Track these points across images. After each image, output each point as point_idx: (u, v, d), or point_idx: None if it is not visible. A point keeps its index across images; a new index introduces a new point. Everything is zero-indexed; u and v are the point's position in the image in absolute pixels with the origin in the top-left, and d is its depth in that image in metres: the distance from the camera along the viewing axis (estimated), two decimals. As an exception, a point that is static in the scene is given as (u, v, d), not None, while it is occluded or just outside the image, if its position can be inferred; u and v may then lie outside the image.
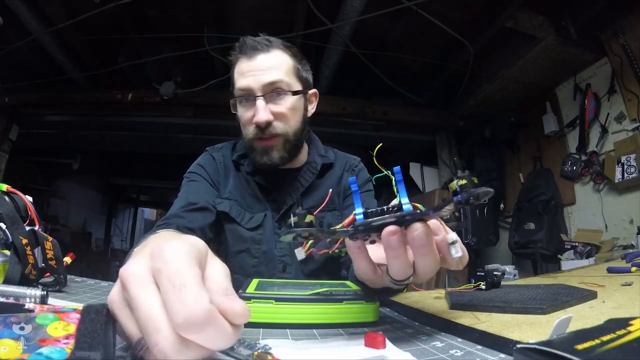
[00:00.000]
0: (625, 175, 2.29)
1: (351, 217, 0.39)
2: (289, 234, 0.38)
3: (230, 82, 0.88)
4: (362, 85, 3.26)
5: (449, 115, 3.43)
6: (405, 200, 0.37)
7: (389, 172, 0.40)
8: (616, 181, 2.36)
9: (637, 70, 2.25)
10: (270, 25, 2.62)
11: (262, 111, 0.78)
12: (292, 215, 0.38)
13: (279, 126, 0.80)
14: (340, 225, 0.40)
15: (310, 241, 0.42)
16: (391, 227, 0.36)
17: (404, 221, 0.36)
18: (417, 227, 0.36)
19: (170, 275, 0.26)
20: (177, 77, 3.00)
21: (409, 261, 0.39)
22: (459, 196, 0.35)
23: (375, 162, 0.43)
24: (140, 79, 3.12)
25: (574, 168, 2.68)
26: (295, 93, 0.82)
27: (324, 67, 2.79)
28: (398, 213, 0.36)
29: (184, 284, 0.26)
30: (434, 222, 0.39)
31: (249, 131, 0.82)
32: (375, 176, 0.52)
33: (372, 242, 0.39)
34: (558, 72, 2.71)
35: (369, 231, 0.37)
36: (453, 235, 0.39)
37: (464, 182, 0.35)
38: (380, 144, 0.47)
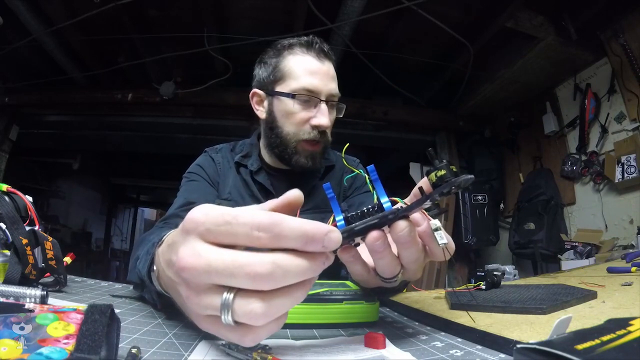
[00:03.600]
0: (625, 175, 2.29)
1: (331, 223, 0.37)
2: None
3: (273, 73, 0.84)
4: (362, 85, 3.26)
5: (449, 115, 3.43)
6: (384, 199, 0.36)
7: (361, 172, 0.40)
8: (616, 181, 2.35)
9: (637, 70, 2.25)
10: (270, 25, 2.62)
11: (327, 116, 0.81)
12: None
13: (328, 134, 0.84)
14: None
15: None
16: (374, 234, 0.35)
17: (386, 221, 0.36)
18: (401, 226, 0.36)
19: (238, 221, 0.26)
20: (177, 77, 3.00)
21: (396, 259, 0.40)
22: (440, 188, 0.34)
23: (345, 162, 0.42)
24: (140, 79, 3.11)
25: (574, 168, 2.67)
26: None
27: (324, 67, 2.78)
28: (380, 214, 0.35)
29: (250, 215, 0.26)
30: (416, 214, 0.39)
31: (303, 131, 0.82)
32: (346, 177, 0.52)
33: (357, 245, 0.39)
34: (558, 72, 2.71)
35: (352, 236, 0.36)
36: (436, 222, 0.38)
37: (442, 172, 0.35)
38: (348, 144, 0.47)
